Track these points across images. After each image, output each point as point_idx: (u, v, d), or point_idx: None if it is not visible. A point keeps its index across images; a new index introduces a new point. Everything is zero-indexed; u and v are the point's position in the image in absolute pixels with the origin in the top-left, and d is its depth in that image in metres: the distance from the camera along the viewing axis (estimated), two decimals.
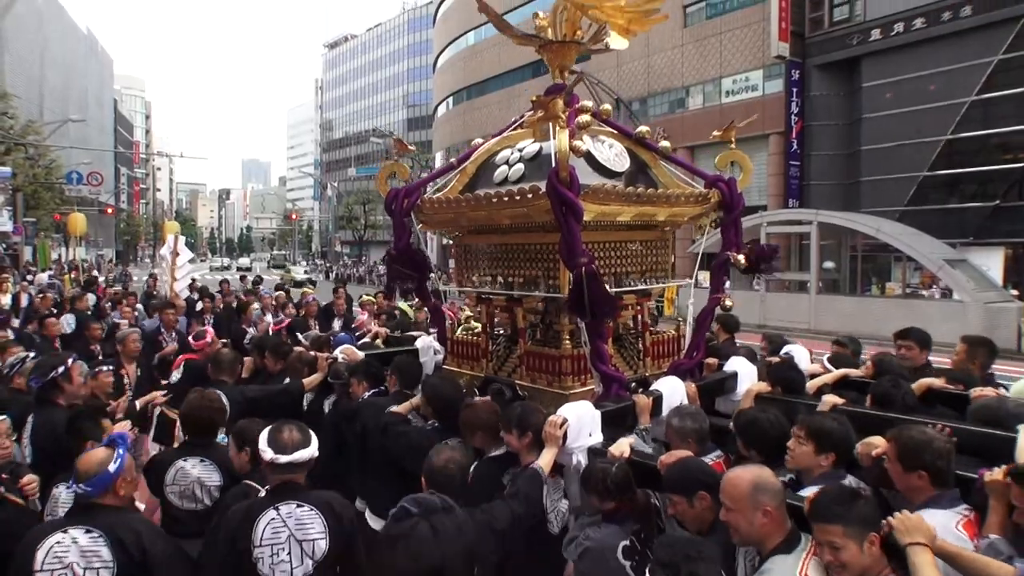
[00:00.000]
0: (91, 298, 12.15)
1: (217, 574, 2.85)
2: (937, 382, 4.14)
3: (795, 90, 27.05)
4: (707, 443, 3.46)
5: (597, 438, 3.46)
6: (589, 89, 25.50)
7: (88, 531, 2.61)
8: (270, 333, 8.12)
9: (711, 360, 4.87)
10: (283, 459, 2.81)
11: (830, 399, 3.76)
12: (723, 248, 4.55)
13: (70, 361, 4.37)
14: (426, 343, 5.14)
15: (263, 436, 2.90)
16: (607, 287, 3.62)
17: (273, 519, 2.75)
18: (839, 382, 4.37)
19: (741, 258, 4.43)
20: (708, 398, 4.31)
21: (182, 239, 12.69)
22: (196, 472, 3.52)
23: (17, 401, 4.45)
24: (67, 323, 9.13)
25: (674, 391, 3.98)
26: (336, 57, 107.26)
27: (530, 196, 3.75)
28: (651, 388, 3.99)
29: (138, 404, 4.94)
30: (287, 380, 5.01)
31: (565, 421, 3.32)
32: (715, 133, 4.70)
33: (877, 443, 2.95)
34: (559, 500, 3.37)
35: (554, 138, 3.66)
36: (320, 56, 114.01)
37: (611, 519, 3.00)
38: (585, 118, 3.97)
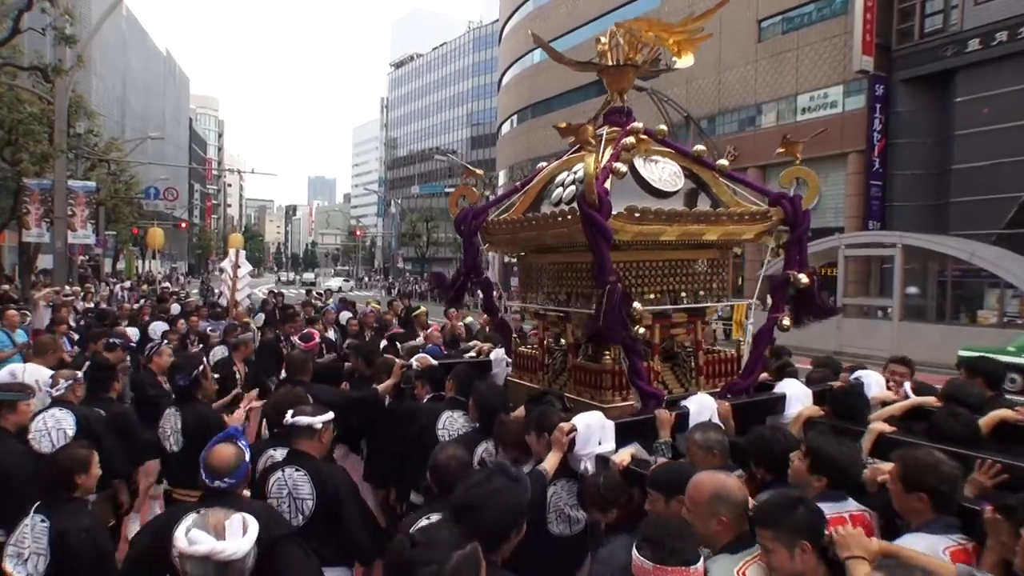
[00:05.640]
0: (176, 308, 12.84)
1: None
2: (1011, 414, 3.76)
3: (878, 106, 25.76)
4: (728, 460, 3.36)
5: (608, 447, 3.58)
6: (658, 107, 25.00)
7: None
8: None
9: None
10: (287, 420, 3.58)
11: (877, 427, 3.66)
12: (785, 267, 4.48)
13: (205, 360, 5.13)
14: (499, 355, 5.59)
15: (289, 411, 3.64)
16: (631, 307, 3.77)
17: (278, 478, 3.46)
18: (910, 412, 4.08)
19: (803, 277, 4.33)
20: (747, 419, 4.06)
21: (243, 253, 13.36)
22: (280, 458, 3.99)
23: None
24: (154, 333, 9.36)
25: (703, 408, 3.99)
26: (401, 76, 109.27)
27: (569, 217, 3.97)
28: (680, 404, 4.02)
29: (242, 406, 5.26)
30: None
31: (573, 428, 3.50)
32: (779, 150, 4.66)
33: (885, 468, 2.90)
34: (574, 507, 3.56)
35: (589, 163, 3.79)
36: (386, 75, 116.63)
37: (618, 528, 3.08)
38: (630, 140, 4.12)
